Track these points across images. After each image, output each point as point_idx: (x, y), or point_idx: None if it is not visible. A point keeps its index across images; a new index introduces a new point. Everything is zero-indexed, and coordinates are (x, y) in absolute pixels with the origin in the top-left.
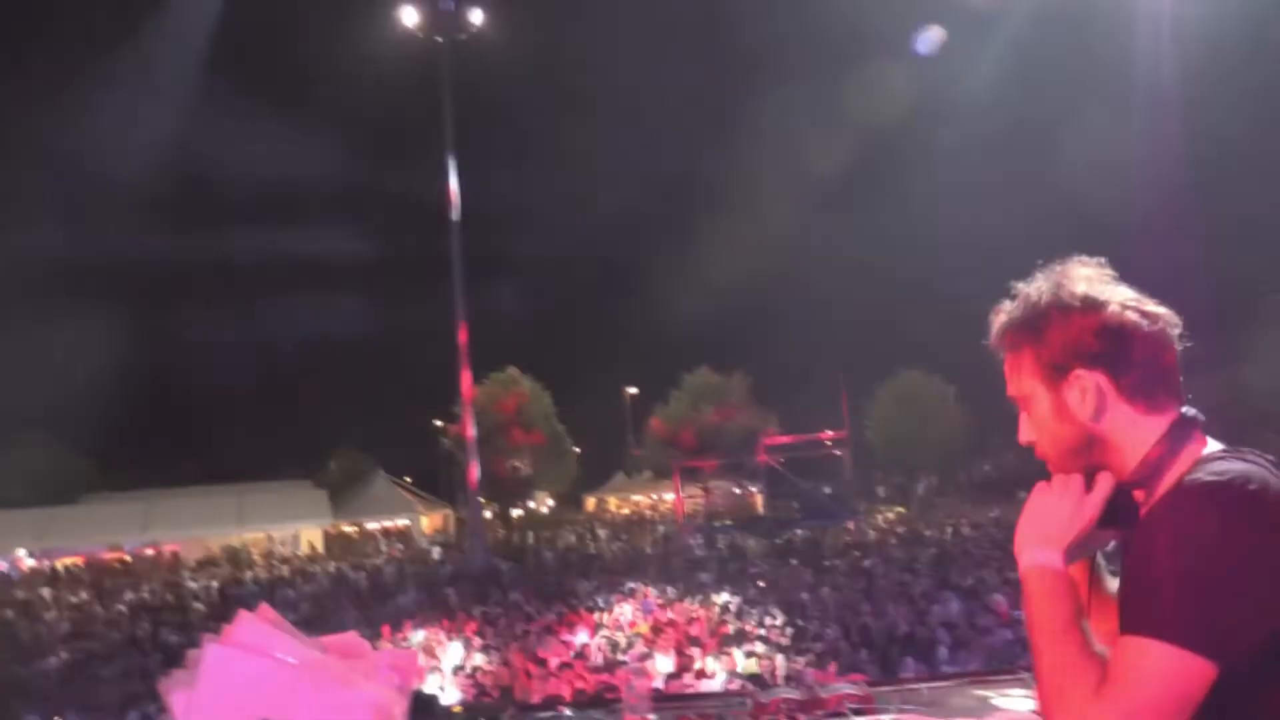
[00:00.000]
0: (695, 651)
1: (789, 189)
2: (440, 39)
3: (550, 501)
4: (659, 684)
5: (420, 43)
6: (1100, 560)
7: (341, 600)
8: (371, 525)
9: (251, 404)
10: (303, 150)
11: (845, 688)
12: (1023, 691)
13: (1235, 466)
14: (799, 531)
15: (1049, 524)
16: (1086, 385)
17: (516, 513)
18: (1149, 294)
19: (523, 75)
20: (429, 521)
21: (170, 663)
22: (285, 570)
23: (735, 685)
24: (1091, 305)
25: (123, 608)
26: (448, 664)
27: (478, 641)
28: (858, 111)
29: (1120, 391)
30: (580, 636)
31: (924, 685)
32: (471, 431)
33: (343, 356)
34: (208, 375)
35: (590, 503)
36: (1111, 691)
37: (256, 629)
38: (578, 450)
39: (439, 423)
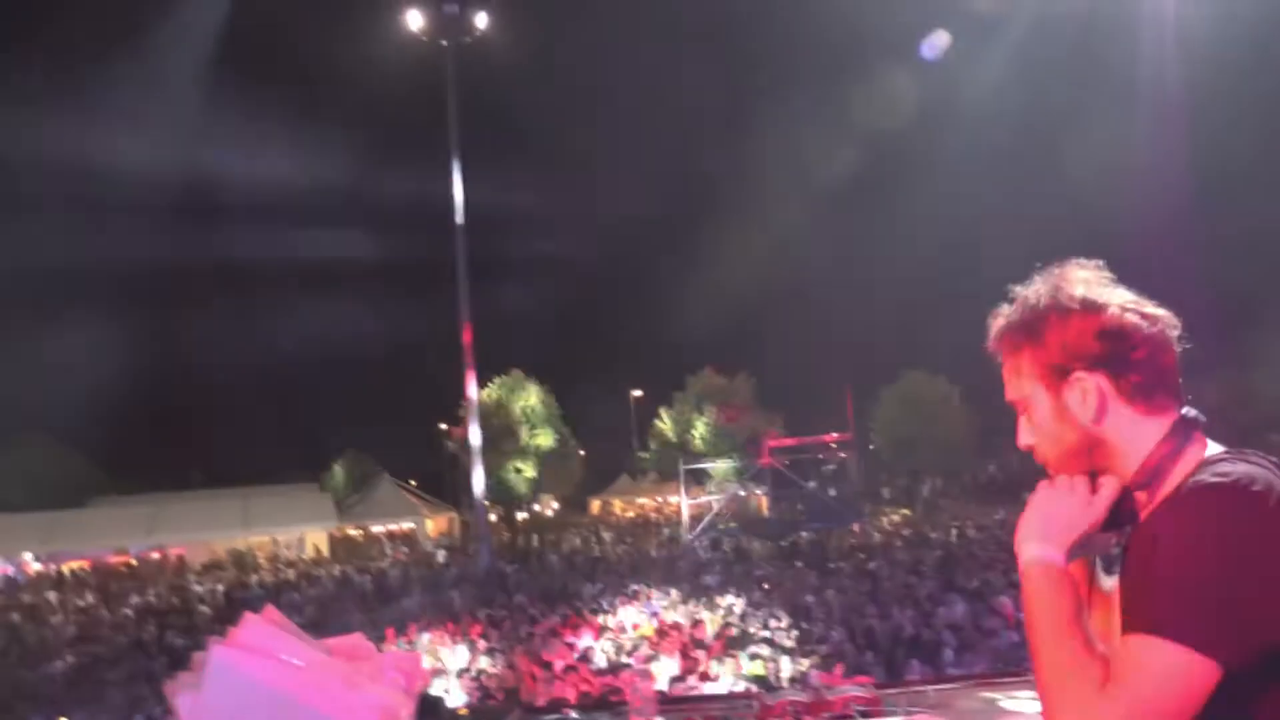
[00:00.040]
0: (700, 654)
1: (794, 192)
2: (445, 43)
3: (555, 504)
4: (664, 686)
5: (425, 46)
6: (1097, 560)
7: (346, 603)
8: (376, 528)
9: (257, 407)
10: (310, 154)
11: (852, 690)
12: (1029, 694)
13: (1239, 468)
14: (804, 534)
15: (1052, 521)
16: (1087, 387)
17: (521, 516)
18: (1154, 297)
19: (528, 78)
20: (434, 524)
21: (176, 666)
22: (290, 573)
23: (741, 688)
24: (1091, 307)
25: (129, 611)
26: (453, 667)
27: (482, 644)
28: (863, 115)
29: (1121, 393)
30: (585, 639)
31: (930, 687)
32: (476, 435)
33: (348, 360)
34: (213, 379)
35: (595, 505)
36: (1116, 690)
37: (262, 632)
38: (582, 453)
39: (444, 426)
